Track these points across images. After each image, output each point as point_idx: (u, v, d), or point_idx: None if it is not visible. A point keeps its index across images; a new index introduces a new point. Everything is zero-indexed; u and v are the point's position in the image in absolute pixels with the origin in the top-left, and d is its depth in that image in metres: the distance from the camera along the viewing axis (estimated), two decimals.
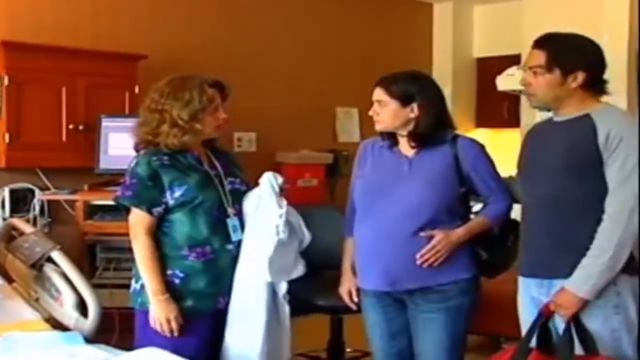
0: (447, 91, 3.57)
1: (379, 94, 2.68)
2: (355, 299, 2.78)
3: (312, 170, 5.66)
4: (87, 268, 3.84)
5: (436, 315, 2.62)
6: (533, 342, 2.41)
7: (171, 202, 2.58)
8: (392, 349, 2.74)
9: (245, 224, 2.65)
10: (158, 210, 2.58)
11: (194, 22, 5.16)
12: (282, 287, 2.65)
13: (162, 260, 2.59)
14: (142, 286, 2.60)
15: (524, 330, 2.50)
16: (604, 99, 2.47)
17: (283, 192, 2.66)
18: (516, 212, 2.67)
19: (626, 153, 2.30)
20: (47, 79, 4.19)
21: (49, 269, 2.94)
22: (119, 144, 3.99)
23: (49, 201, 4.26)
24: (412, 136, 2.66)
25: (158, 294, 2.54)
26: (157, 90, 2.64)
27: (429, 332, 2.64)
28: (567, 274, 2.35)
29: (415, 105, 2.63)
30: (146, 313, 2.59)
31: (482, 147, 2.73)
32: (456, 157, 2.64)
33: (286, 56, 5.69)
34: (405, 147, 2.69)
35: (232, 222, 2.63)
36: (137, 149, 2.68)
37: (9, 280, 3.20)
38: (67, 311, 2.78)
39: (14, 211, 4.16)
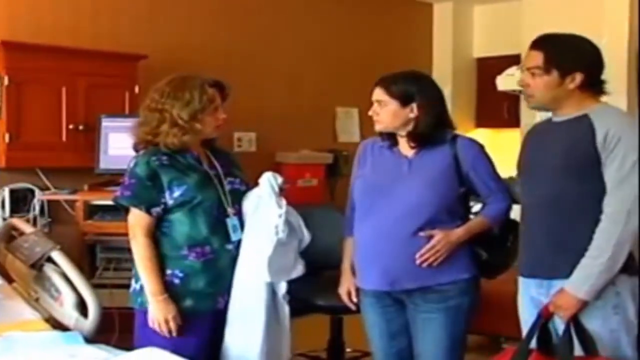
0: (447, 91, 3.57)
1: (378, 94, 2.68)
2: (355, 299, 2.78)
3: (312, 170, 5.66)
4: (87, 268, 3.84)
5: (436, 315, 2.62)
6: (533, 343, 2.41)
7: (170, 202, 2.58)
8: (391, 349, 2.74)
9: (245, 224, 2.65)
10: (157, 210, 2.58)
11: (194, 22, 5.16)
12: (282, 287, 2.65)
13: (161, 260, 2.59)
14: (142, 286, 2.60)
15: (524, 330, 2.50)
16: (604, 99, 2.46)
17: (283, 192, 2.66)
18: (516, 213, 2.67)
19: (624, 153, 2.29)
20: (47, 79, 4.19)
21: (49, 269, 2.95)
22: (119, 144, 3.99)
23: (49, 201, 4.26)
24: (412, 136, 2.66)
25: (156, 294, 2.54)
26: (157, 90, 2.64)
27: (428, 332, 2.64)
28: (567, 274, 2.35)
29: (415, 105, 2.63)
30: (146, 313, 2.59)
31: (481, 147, 2.73)
32: (456, 157, 2.64)
33: (286, 56, 5.70)
34: (404, 147, 2.70)
35: (231, 222, 2.64)
36: (136, 149, 2.68)
37: (9, 280, 3.20)
38: (67, 311, 2.78)
39: (14, 211, 4.16)
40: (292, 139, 5.63)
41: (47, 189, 4.30)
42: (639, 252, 2.37)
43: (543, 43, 2.45)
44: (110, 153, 4.16)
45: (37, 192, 4.26)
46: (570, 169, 2.36)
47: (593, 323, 2.34)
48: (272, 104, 5.55)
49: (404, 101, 2.64)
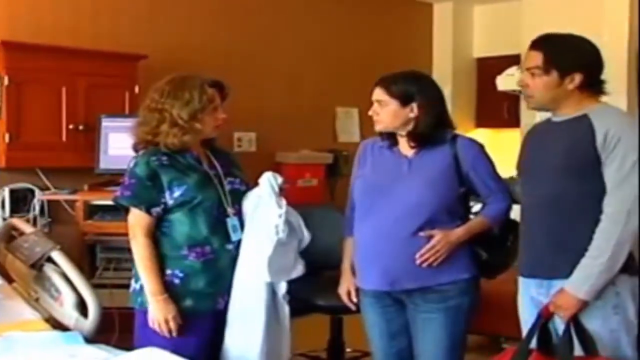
0: (447, 91, 3.57)
1: (378, 93, 2.68)
2: (354, 299, 2.78)
3: (312, 170, 5.66)
4: (87, 268, 3.84)
5: (436, 315, 2.62)
6: (533, 343, 2.41)
7: (170, 202, 2.58)
8: (391, 349, 2.74)
9: (245, 224, 2.65)
10: (157, 210, 2.58)
11: (194, 22, 5.16)
12: (282, 287, 2.65)
13: (161, 260, 2.59)
14: (142, 286, 2.60)
15: (524, 330, 2.50)
16: (604, 98, 2.46)
17: (282, 191, 2.66)
18: (516, 213, 2.67)
19: (624, 153, 2.29)
20: (47, 79, 4.19)
21: (49, 269, 2.94)
22: (119, 144, 3.99)
23: (49, 201, 4.27)
24: (412, 136, 2.66)
25: (156, 294, 2.54)
26: (156, 90, 2.64)
27: (428, 332, 2.64)
28: (567, 274, 2.35)
29: (415, 105, 2.63)
30: (146, 313, 2.58)
31: (481, 147, 2.73)
32: (456, 157, 2.64)
33: (286, 56, 5.70)
34: (404, 147, 2.69)
35: (231, 222, 2.64)
36: (135, 149, 2.68)
37: (9, 280, 3.20)
38: (67, 311, 2.78)
39: (14, 211, 4.16)
40: (292, 139, 5.63)
41: (47, 189, 4.30)
42: (639, 252, 2.37)
43: (542, 43, 2.45)
44: (110, 153, 4.16)
45: (37, 192, 4.26)
46: (571, 169, 2.36)
47: (593, 323, 2.34)
48: (272, 104, 5.55)
49: (404, 101, 2.63)
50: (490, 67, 6.29)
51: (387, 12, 6.42)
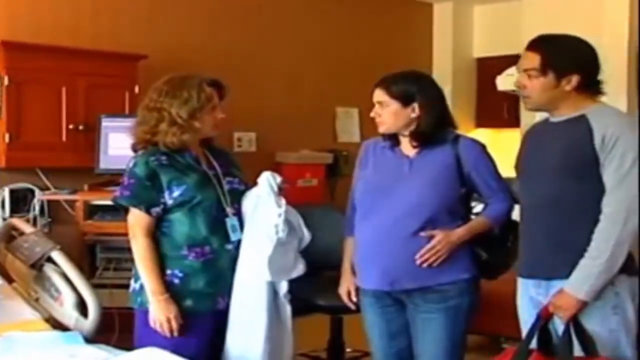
0: (447, 91, 3.55)
1: (379, 94, 2.68)
2: (354, 299, 2.78)
3: (312, 170, 5.67)
4: (87, 268, 3.85)
5: (436, 315, 2.62)
6: (533, 344, 2.41)
7: (170, 202, 2.58)
8: (391, 349, 2.74)
9: (244, 224, 2.65)
10: (156, 210, 2.58)
11: (194, 22, 5.17)
12: (283, 287, 2.65)
13: (161, 260, 2.59)
14: (142, 286, 2.60)
15: (524, 330, 2.50)
16: (603, 99, 2.46)
17: (282, 191, 2.65)
18: (516, 213, 2.67)
19: (623, 153, 2.29)
20: (47, 79, 4.19)
21: (49, 269, 2.94)
22: (119, 144, 3.99)
23: (49, 201, 4.27)
24: (414, 136, 2.65)
25: (157, 294, 2.54)
26: (155, 89, 2.64)
27: (428, 332, 2.63)
28: (566, 274, 2.35)
29: (416, 105, 2.63)
30: (146, 313, 2.58)
31: (483, 147, 2.72)
32: (457, 157, 2.64)
33: (286, 56, 5.70)
34: (406, 147, 2.69)
35: (231, 221, 2.63)
36: (135, 149, 2.68)
37: (9, 280, 3.20)
38: (67, 311, 2.78)
39: (14, 211, 4.17)
40: (292, 139, 5.63)
41: (47, 189, 4.31)
42: (638, 252, 2.37)
43: (539, 44, 2.44)
44: (110, 153, 4.17)
45: (37, 192, 4.26)
46: (569, 169, 2.36)
47: (592, 323, 2.34)
48: (272, 104, 5.55)
49: (405, 101, 2.63)
50: (490, 67, 6.29)
51: (387, 12, 6.42)
